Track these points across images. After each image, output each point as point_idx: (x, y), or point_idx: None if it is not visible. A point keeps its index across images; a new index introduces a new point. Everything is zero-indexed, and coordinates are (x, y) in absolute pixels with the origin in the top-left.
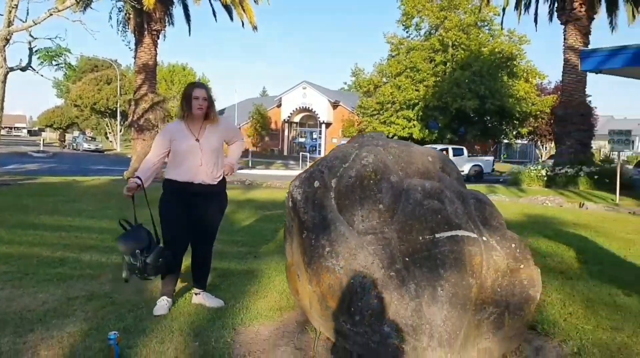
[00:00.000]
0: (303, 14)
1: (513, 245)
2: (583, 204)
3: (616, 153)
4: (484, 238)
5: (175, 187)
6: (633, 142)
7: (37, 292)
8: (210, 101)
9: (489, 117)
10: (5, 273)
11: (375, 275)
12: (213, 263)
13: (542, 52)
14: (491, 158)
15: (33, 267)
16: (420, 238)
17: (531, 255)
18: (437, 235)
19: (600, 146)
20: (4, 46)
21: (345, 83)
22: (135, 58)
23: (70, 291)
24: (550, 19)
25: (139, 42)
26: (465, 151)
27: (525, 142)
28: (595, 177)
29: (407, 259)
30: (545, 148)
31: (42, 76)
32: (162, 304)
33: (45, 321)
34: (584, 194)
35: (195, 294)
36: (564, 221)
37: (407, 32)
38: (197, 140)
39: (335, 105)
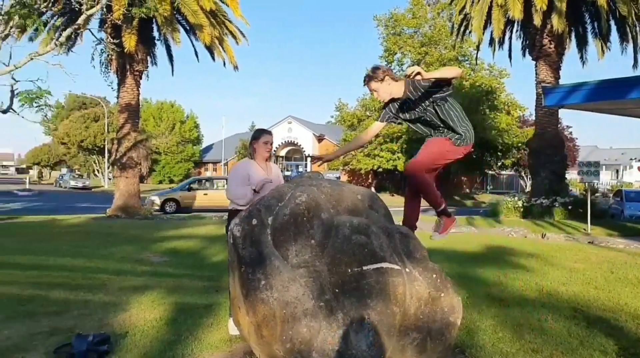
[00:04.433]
0: (291, 49)
1: (434, 275)
2: (545, 235)
3: (587, 183)
4: (407, 270)
5: None
6: (599, 173)
7: (3, 329)
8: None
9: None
10: None
11: (305, 305)
12: (174, 298)
13: (523, 84)
14: None
15: (1, 305)
16: (349, 270)
17: (451, 284)
18: (364, 268)
19: None
20: None
21: (332, 116)
22: (118, 98)
23: (34, 327)
24: (524, 54)
25: (121, 82)
26: None
27: (512, 173)
28: (570, 207)
29: (336, 290)
30: (530, 178)
31: (22, 117)
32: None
33: (6, 356)
34: (558, 224)
35: None
36: (520, 251)
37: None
38: None
39: (320, 139)
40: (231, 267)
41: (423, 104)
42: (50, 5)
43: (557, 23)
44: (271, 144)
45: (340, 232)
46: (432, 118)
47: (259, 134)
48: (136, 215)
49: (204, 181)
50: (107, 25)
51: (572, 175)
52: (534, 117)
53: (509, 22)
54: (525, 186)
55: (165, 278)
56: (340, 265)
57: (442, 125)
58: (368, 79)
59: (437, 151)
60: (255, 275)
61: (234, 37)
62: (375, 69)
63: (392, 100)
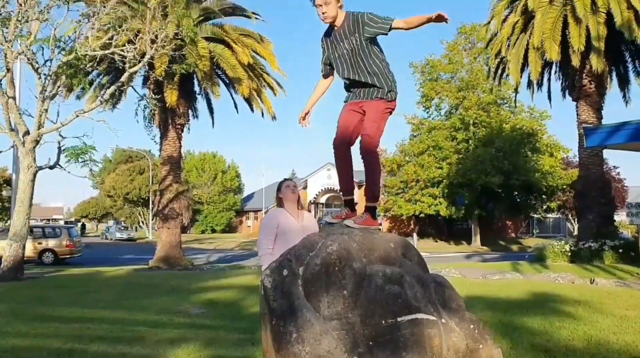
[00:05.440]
0: (327, 95)
1: (472, 326)
2: (593, 280)
3: (638, 225)
4: (443, 320)
5: None
6: None
7: None
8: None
9: (516, 193)
10: None
11: None
12: (210, 350)
13: (566, 125)
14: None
15: None
16: (383, 322)
17: (490, 335)
18: (398, 319)
19: None
20: (34, 147)
21: None
22: (160, 151)
23: None
24: (564, 95)
25: (163, 136)
26: None
27: (558, 216)
28: (620, 251)
29: (370, 343)
30: (577, 221)
31: (69, 172)
32: None
33: None
34: (608, 269)
35: None
36: (567, 298)
37: (427, 112)
38: None
39: (360, 185)
40: (263, 320)
41: (355, 43)
42: (95, 64)
43: (596, 63)
44: (294, 186)
45: (373, 282)
46: (359, 68)
47: (280, 183)
48: (177, 266)
49: None
50: (149, 81)
51: (622, 217)
52: (578, 159)
53: (547, 64)
54: (573, 229)
55: (202, 330)
56: (374, 316)
57: (369, 79)
58: None
59: (379, 116)
60: (287, 327)
61: (272, 88)
62: None
63: (328, 33)
